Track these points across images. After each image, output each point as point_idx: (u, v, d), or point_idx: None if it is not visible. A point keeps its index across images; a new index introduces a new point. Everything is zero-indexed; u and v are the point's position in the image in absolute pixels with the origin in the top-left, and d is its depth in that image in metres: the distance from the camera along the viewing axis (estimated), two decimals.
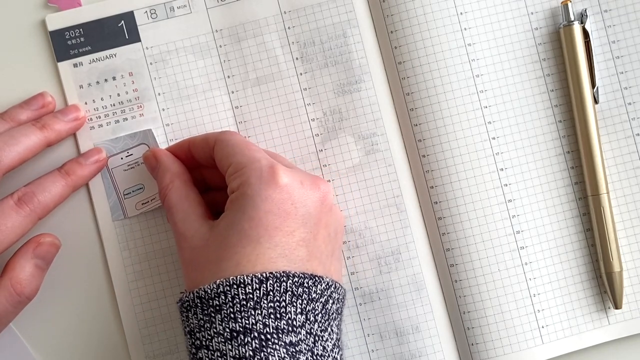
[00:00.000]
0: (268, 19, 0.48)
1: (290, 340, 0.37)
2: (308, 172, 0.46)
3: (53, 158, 0.47)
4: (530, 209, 0.47)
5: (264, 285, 0.37)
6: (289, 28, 0.48)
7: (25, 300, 0.43)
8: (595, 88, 0.47)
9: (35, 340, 0.47)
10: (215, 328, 0.37)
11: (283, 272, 0.38)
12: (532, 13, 0.48)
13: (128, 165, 0.47)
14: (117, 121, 0.47)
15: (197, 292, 0.38)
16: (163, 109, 0.48)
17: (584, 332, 0.47)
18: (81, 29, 0.47)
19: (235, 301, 0.37)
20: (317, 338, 0.38)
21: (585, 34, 0.47)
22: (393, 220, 0.47)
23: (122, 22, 0.47)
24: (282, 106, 0.48)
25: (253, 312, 0.37)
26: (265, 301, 0.37)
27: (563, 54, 0.47)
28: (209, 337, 0.37)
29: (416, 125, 0.47)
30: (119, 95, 0.47)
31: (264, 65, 0.48)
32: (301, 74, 0.48)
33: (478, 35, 0.47)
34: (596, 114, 0.47)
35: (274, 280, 0.37)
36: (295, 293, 0.38)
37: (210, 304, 0.37)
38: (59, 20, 0.47)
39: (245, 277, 0.37)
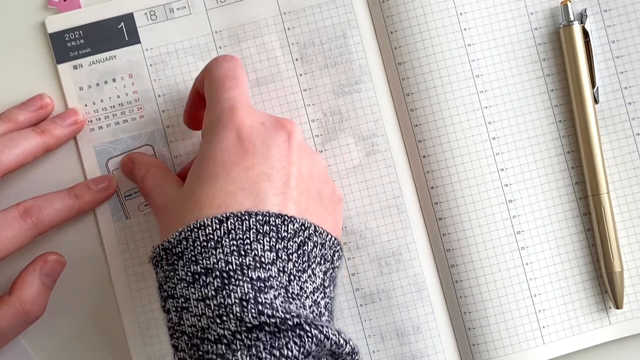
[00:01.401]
0: (268, 20, 0.48)
1: (258, 276, 0.35)
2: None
3: (53, 160, 0.47)
4: (531, 209, 0.47)
5: (225, 225, 0.35)
6: (288, 29, 0.48)
7: (32, 319, 0.43)
8: (595, 88, 0.47)
9: (35, 341, 0.47)
10: (178, 274, 0.35)
11: (245, 211, 0.36)
12: (531, 13, 0.48)
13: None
14: (117, 123, 0.47)
15: (161, 244, 0.37)
16: (163, 111, 0.48)
17: (584, 332, 0.47)
18: (81, 31, 0.47)
19: (196, 244, 0.35)
20: (292, 277, 0.36)
21: (585, 34, 0.47)
22: (394, 221, 0.47)
23: (122, 23, 0.47)
24: (282, 107, 0.48)
25: (214, 252, 0.35)
26: (227, 239, 0.35)
27: (563, 54, 0.47)
28: (173, 285, 0.35)
29: (416, 125, 0.47)
30: (118, 97, 0.47)
31: (263, 66, 0.48)
32: (301, 74, 0.48)
33: (478, 35, 0.47)
34: (596, 114, 0.47)
35: (235, 219, 0.36)
36: (261, 231, 0.36)
37: (173, 252, 0.36)
38: (58, 22, 0.47)
39: (205, 220, 0.35)
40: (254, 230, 0.35)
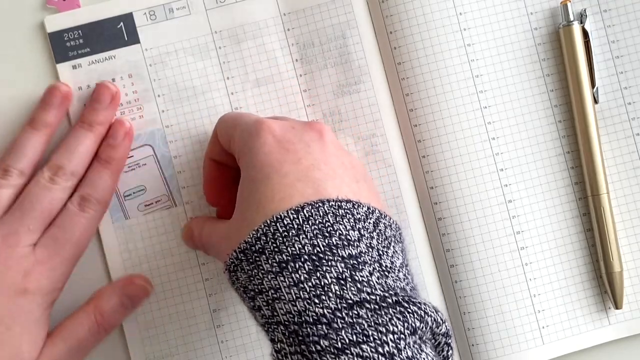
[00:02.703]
0: (267, 20, 0.48)
1: (349, 254, 0.34)
2: None
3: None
4: (531, 209, 0.47)
5: (301, 213, 0.35)
6: (288, 30, 0.48)
7: (102, 332, 0.44)
8: (595, 88, 0.47)
9: None
10: (263, 268, 0.35)
11: (318, 199, 0.36)
12: (531, 13, 0.48)
13: (128, 167, 0.47)
14: None
15: (238, 248, 0.36)
16: (163, 111, 0.47)
17: (584, 332, 0.47)
18: (80, 31, 0.47)
19: (276, 236, 0.35)
20: (381, 253, 0.36)
21: (585, 34, 0.47)
22: None
23: (121, 23, 0.47)
24: (282, 108, 0.48)
25: (297, 239, 0.34)
26: (307, 225, 0.35)
27: (563, 54, 0.47)
28: (259, 281, 0.35)
29: (416, 125, 0.47)
30: None
31: (263, 66, 0.48)
32: (301, 75, 0.48)
33: (477, 35, 0.47)
34: (596, 114, 0.47)
35: (310, 207, 0.35)
36: (337, 214, 0.35)
37: (253, 250, 0.35)
38: (57, 22, 0.47)
39: (280, 213, 0.35)
40: (331, 214, 0.35)
